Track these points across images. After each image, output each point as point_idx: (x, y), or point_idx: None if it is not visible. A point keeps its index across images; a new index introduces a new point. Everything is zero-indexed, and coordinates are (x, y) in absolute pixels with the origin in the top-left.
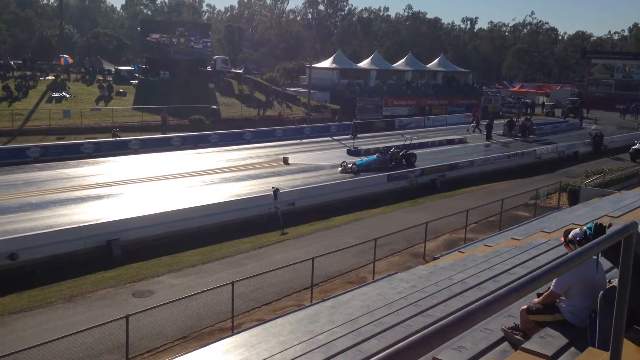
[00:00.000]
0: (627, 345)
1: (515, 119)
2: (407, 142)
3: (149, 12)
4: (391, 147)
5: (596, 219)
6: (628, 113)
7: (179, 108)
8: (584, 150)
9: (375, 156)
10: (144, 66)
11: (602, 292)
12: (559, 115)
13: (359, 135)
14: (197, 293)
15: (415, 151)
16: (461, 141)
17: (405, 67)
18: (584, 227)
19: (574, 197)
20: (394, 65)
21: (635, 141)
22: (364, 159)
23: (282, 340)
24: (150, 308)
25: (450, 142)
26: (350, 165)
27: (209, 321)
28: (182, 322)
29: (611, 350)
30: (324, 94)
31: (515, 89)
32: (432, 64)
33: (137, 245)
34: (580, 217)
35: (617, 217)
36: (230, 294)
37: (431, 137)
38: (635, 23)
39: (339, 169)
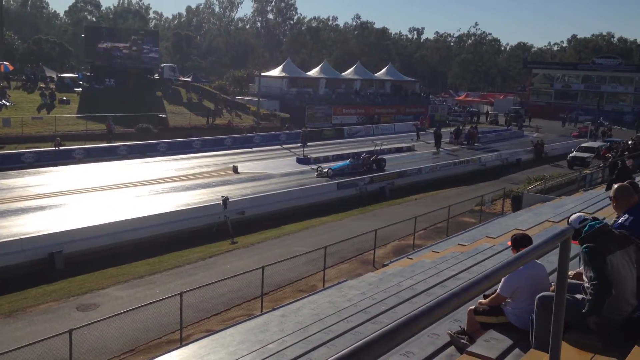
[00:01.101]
0: (566, 348)
1: (461, 127)
2: (377, 148)
3: (94, 19)
4: (362, 152)
5: (539, 223)
6: (568, 122)
7: (126, 116)
8: (526, 158)
9: (348, 161)
10: (88, 74)
11: (538, 295)
12: (503, 124)
13: (309, 144)
14: (144, 305)
15: (341, 163)
16: (409, 149)
17: (354, 76)
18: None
19: (517, 203)
20: (343, 74)
21: (572, 149)
22: (339, 163)
23: (231, 351)
24: (95, 322)
25: (399, 150)
26: (326, 170)
27: (157, 333)
28: (129, 336)
29: (550, 352)
30: (273, 103)
31: (460, 97)
32: (380, 73)
33: (81, 257)
34: (523, 223)
35: (558, 222)
36: (178, 305)
37: (380, 145)
38: (573, 34)
39: (315, 173)
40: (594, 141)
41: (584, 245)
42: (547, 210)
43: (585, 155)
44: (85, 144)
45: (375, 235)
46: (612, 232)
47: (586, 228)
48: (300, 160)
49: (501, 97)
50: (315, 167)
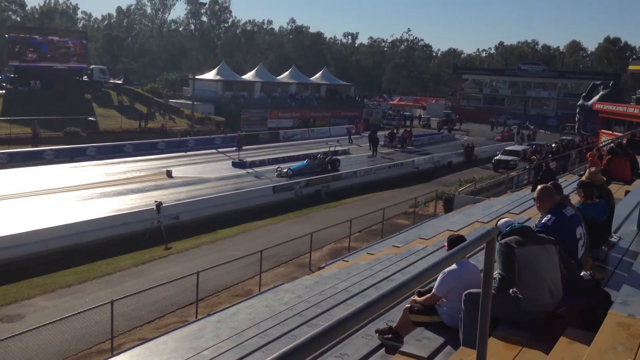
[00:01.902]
0: (494, 343)
1: (395, 131)
2: (332, 149)
3: (18, 19)
4: (318, 153)
5: (470, 224)
6: (497, 125)
7: (52, 120)
8: (457, 160)
9: (305, 162)
10: (12, 75)
11: (465, 292)
12: (435, 127)
13: (244, 148)
14: (73, 315)
15: (299, 163)
16: (345, 152)
17: (289, 80)
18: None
19: (449, 205)
20: (278, 77)
21: (497, 152)
22: (297, 164)
23: (164, 359)
24: (20, 333)
25: (334, 153)
26: (285, 170)
27: (87, 344)
28: (57, 347)
29: (477, 348)
30: (208, 106)
31: (394, 102)
32: (316, 77)
33: (4, 266)
34: (454, 224)
35: (487, 222)
36: (109, 314)
37: (315, 149)
38: (500, 41)
39: (275, 173)
40: (519, 144)
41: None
42: (477, 211)
43: (510, 158)
44: (8, 148)
45: (311, 238)
46: (530, 231)
47: (507, 228)
48: (235, 164)
49: (433, 102)
50: (277, 167)
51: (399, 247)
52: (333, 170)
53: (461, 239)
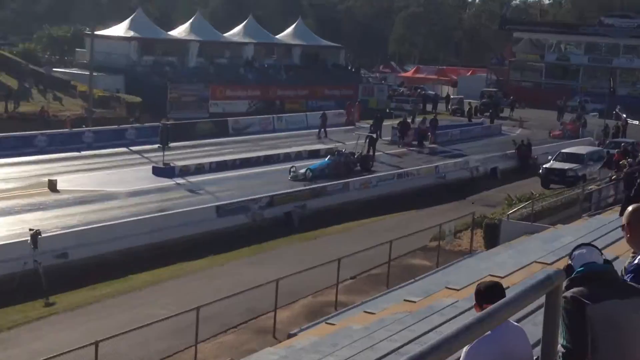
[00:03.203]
0: None
1: (409, 120)
2: (360, 141)
3: None
4: (341, 148)
5: (524, 267)
6: (567, 111)
7: None
8: (505, 166)
9: (327, 159)
10: None
11: None
12: (470, 115)
13: (172, 145)
14: None
15: (262, 168)
16: (331, 152)
17: (243, 39)
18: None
19: (493, 236)
20: (225, 34)
21: (550, 157)
22: (317, 163)
23: None
24: None
25: (314, 154)
26: (303, 171)
27: None
28: None
29: None
30: (116, 79)
31: (408, 74)
32: (285, 34)
33: None
34: (500, 266)
35: (551, 263)
36: None
37: (283, 148)
38: None
39: (289, 175)
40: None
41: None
42: (537, 246)
43: (567, 166)
44: None
45: (277, 288)
46: (614, 277)
47: (579, 269)
48: (159, 171)
49: (468, 74)
50: (290, 167)
51: (414, 302)
52: (364, 170)
53: (496, 289)
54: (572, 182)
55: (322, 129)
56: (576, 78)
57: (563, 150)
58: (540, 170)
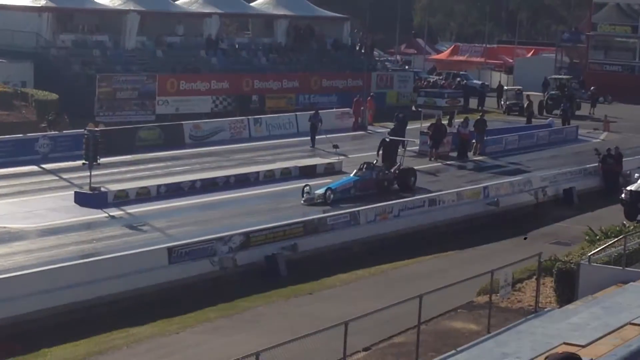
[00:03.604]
0: None
1: (445, 122)
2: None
3: None
4: (374, 161)
5: (614, 330)
6: None
7: None
8: (585, 187)
9: (353, 175)
10: None
11: None
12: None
13: (103, 161)
14: None
15: (233, 193)
16: (332, 169)
17: (203, 8)
18: None
19: (568, 287)
20: (178, 2)
21: (637, 175)
22: (340, 180)
23: None
24: None
25: (308, 172)
26: (321, 192)
27: None
28: None
29: None
30: (21, 68)
31: (441, 55)
32: (265, 1)
33: None
34: (580, 329)
35: None
36: None
37: (264, 164)
38: None
39: (302, 199)
40: None
41: None
42: (632, 302)
43: None
44: None
45: None
46: None
47: None
48: (83, 199)
49: (528, 55)
50: (303, 186)
51: None
52: (404, 189)
53: None
54: None
55: (313, 136)
56: None
57: None
58: (623, 195)
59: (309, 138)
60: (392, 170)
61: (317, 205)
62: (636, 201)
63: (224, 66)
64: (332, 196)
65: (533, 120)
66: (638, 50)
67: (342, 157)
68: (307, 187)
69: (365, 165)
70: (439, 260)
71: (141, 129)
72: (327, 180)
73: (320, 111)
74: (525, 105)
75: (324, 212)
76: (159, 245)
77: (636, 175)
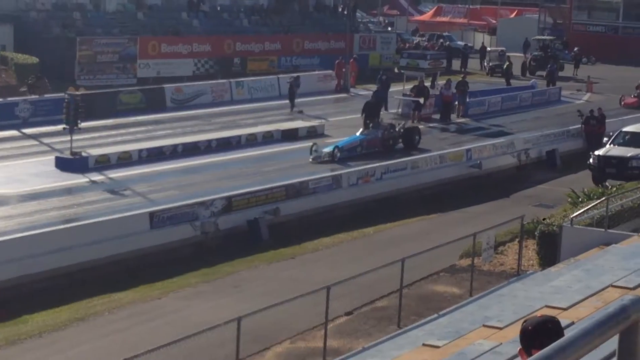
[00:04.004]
0: None
1: (428, 84)
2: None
3: None
4: (379, 119)
5: (595, 293)
6: None
7: None
8: (568, 148)
9: (359, 134)
10: None
11: None
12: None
13: (84, 125)
14: None
15: (215, 157)
16: (314, 132)
17: None
18: None
19: (551, 249)
20: None
21: (606, 139)
22: (346, 138)
23: None
24: None
25: (290, 135)
26: (329, 149)
27: None
28: None
29: None
30: (0, 30)
31: (424, 16)
32: None
33: None
34: (562, 292)
35: (634, 287)
36: None
37: (246, 127)
38: None
39: (310, 157)
40: None
41: None
42: (614, 264)
43: (632, 152)
44: None
45: (239, 330)
46: None
47: None
48: (64, 164)
49: (512, 16)
50: (311, 145)
51: (437, 347)
52: (409, 147)
53: (547, 327)
54: (629, 174)
55: (292, 100)
56: None
57: (626, 129)
58: (591, 160)
59: (296, 102)
60: (397, 129)
61: (324, 163)
62: (604, 166)
63: (205, 28)
64: (339, 154)
65: (513, 82)
66: (622, 10)
67: (323, 120)
68: (315, 146)
69: (371, 124)
70: (422, 223)
71: (122, 93)
72: (309, 143)
73: (302, 74)
74: (504, 67)
75: (332, 170)
76: (140, 210)
77: (604, 139)
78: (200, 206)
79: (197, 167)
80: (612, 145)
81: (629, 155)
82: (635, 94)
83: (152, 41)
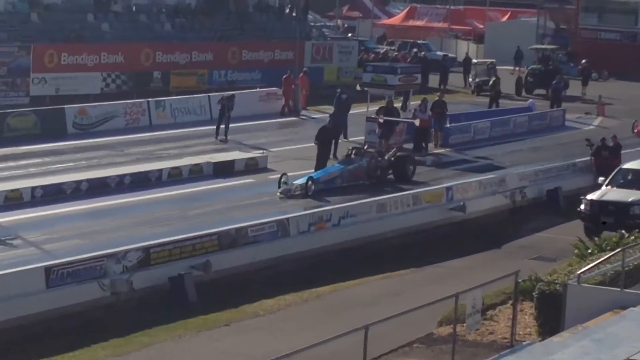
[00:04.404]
0: None
1: (398, 105)
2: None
3: None
4: (363, 145)
5: None
6: None
7: None
8: (574, 186)
9: (339, 163)
10: None
11: None
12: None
13: None
14: None
15: (129, 197)
16: (254, 166)
17: None
18: None
19: (552, 314)
20: None
21: (601, 178)
22: (325, 169)
23: None
24: None
25: (224, 169)
26: (300, 182)
27: None
28: None
29: None
30: None
31: (394, 19)
32: None
33: None
34: None
35: None
36: None
37: (168, 159)
38: None
39: (278, 191)
40: None
41: None
42: (630, 332)
43: (631, 197)
44: None
45: None
46: None
47: None
48: None
49: (503, 19)
50: (280, 176)
51: None
52: (400, 180)
53: None
54: (631, 224)
55: (222, 125)
56: None
57: (628, 166)
58: (582, 206)
59: (234, 125)
60: (387, 157)
61: (294, 197)
62: (599, 214)
63: (117, 34)
64: (313, 187)
65: (506, 102)
66: (638, 16)
67: (265, 151)
68: (284, 177)
69: (354, 151)
70: (390, 281)
71: (11, 116)
72: (248, 180)
73: (239, 92)
74: (491, 83)
75: (305, 208)
76: (34, 265)
77: (600, 179)
78: (110, 260)
79: (107, 209)
80: (609, 187)
81: (630, 200)
82: None
83: (49, 50)
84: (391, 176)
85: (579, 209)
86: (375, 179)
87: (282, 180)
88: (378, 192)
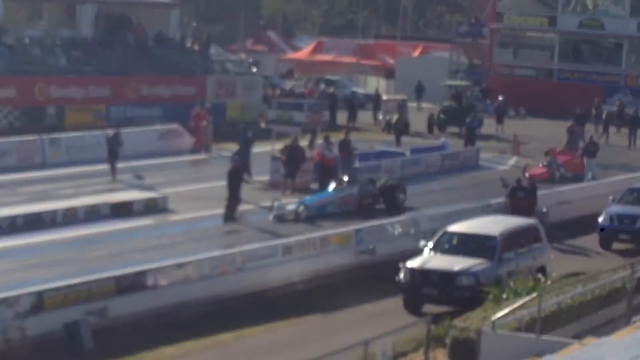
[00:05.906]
0: None
1: (304, 143)
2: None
3: None
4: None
5: None
6: (598, 123)
7: None
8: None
9: (332, 189)
10: None
11: None
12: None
13: None
14: None
15: (21, 239)
16: (155, 206)
17: None
18: None
19: None
20: None
21: (611, 197)
22: (319, 194)
23: None
24: None
25: (122, 210)
26: (292, 207)
27: None
28: None
29: None
30: None
31: (301, 53)
32: None
33: None
34: None
35: None
36: None
37: (63, 199)
38: None
39: (271, 216)
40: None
41: None
42: None
43: (457, 266)
44: None
45: None
46: None
47: None
48: None
49: (415, 54)
50: (272, 202)
51: None
52: (391, 207)
53: None
54: (469, 300)
55: (112, 164)
56: (616, 60)
57: (452, 229)
58: (401, 275)
59: (127, 164)
60: (378, 185)
61: (287, 222)
62: (420, 285)
63: (9, 67)
64: (305, 213)
65: (416, 140)
66: (557, 49)
67: (166, 191)
68: (277, 202)
69: (346, 179)
70: (297, 328)
71: None
72: (147, 221)
73: (138, 129)
74: (394, 120)
75: (296, 232)
76: None
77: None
78: (1, 305)
79: None
80: (432, 252)
81: (456, 269)
82: (546, 162)
83: None
84: (382, 205)
85: (396, 279)
86: (366, 206)
87: (275, 205)
88: (368, 219)
